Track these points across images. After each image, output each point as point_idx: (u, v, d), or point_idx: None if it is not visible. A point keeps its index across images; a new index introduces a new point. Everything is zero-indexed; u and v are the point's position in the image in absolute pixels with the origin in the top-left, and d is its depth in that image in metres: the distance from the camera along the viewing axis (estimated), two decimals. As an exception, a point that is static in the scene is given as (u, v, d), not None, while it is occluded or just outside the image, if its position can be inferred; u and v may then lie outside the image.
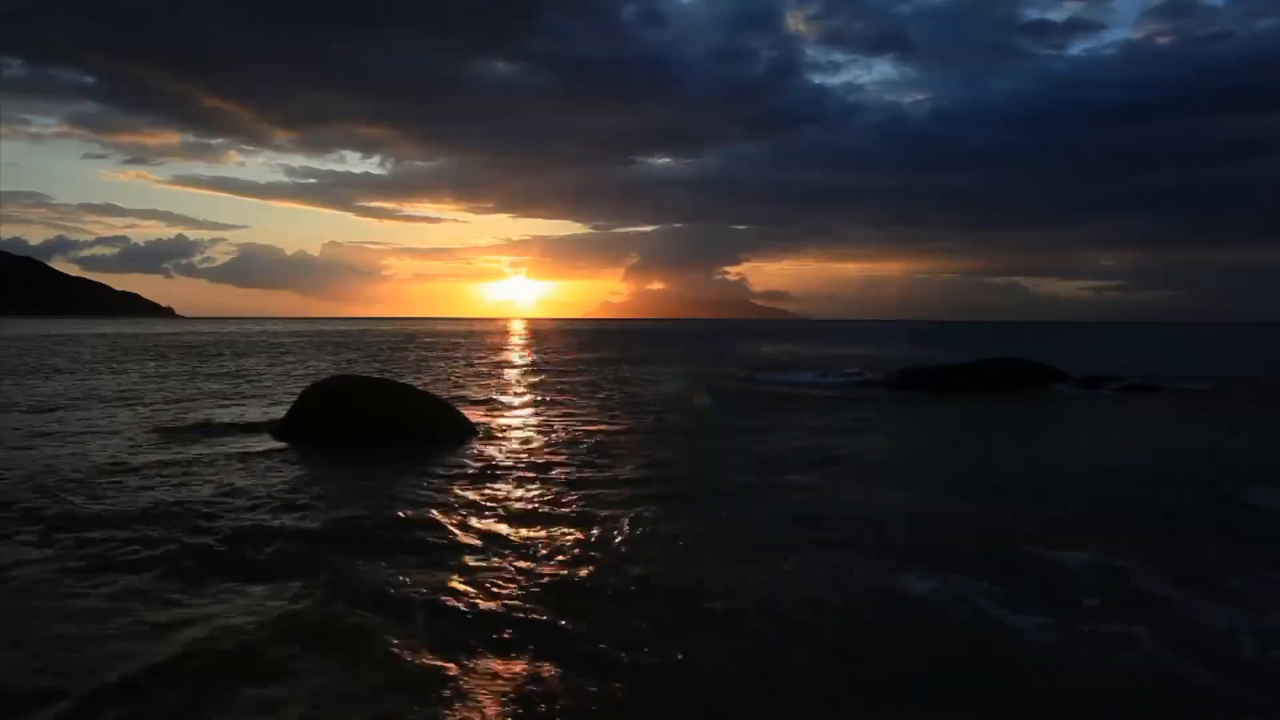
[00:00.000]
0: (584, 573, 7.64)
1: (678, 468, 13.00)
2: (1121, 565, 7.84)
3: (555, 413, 20.12)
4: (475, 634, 6.15)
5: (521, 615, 6.54)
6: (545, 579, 7.44)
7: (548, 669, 5.57)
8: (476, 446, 14.81)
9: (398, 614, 6.54)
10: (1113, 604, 6.88)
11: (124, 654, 5.71)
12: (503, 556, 8.13)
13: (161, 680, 5.35)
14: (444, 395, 21.16)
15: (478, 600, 6.87)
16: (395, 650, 5.84)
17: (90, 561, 7.80)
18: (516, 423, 18.27)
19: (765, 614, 6.61)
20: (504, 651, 5.84)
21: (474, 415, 18.64)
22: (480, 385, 28.03)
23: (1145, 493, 11.43)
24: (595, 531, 9.05)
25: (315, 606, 6.71)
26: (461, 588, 7.17)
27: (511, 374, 34.21)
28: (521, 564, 7.90)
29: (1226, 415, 21.32)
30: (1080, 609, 6.74)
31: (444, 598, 6.90)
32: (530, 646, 5.92)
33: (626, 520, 9.50)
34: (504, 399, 23.48)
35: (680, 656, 5.79)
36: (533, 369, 37.49)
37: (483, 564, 7.88)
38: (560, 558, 8.10)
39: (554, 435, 16.42)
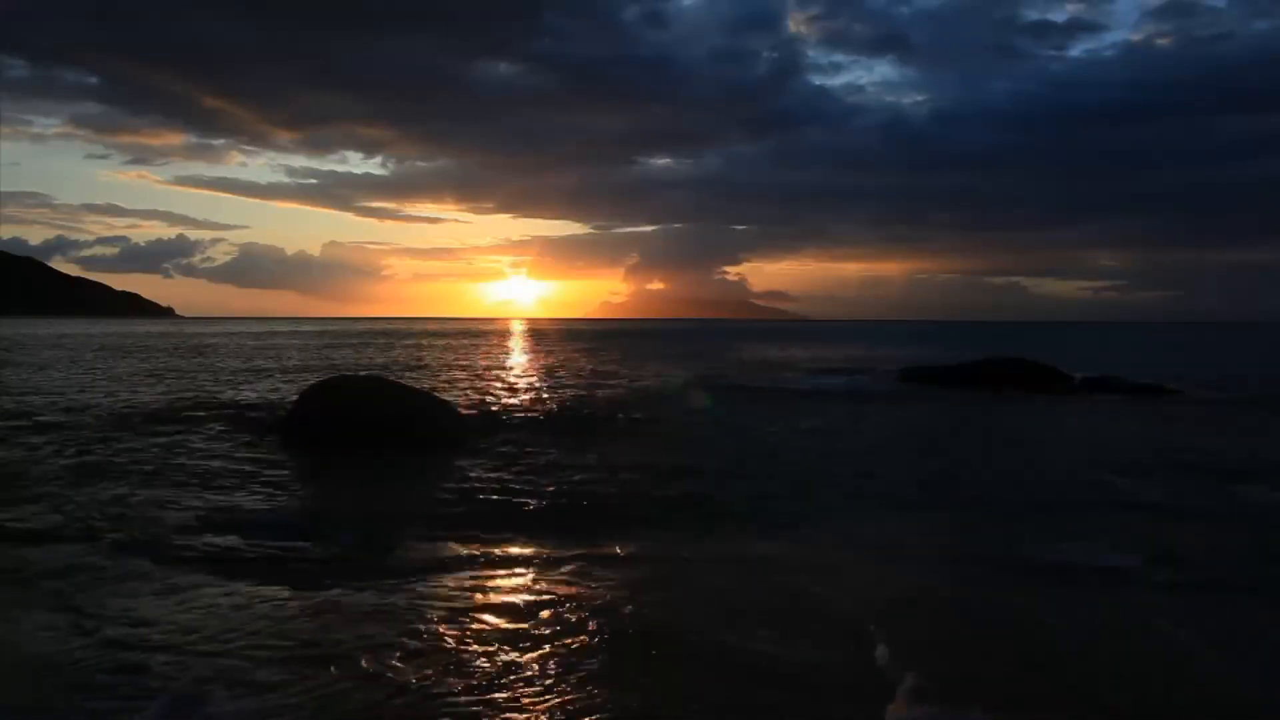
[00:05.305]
0: (584, 603, 7.59)
1: (680, 473, 12.89)
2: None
3: (554, 412, 20.07)
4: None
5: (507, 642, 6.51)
6: (545, 593, 7.41)
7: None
8: (476, 446, 14.76)
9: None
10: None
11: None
12: (501, 569, 8.11)
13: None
14: (443, 395, 21.14)
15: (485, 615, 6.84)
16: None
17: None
18: (515, 422, 18.21)
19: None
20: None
21: (473, 414, 18.63)
22: (479, 385, 27.98)
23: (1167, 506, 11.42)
24: (597, 546, 9.01)
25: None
26: (462, 592, 7.14)
27: (511, 374, 34.17)
28: (518, 582, 7.87)
29: (1230, 419, 21.25)
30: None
31: (437, 598, 6.88)
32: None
33: (626, 531, 9.47)
34: (503, 398, 23.43)
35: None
36: (532, 369, 37.46)
37: (483, 572, 7.86)
38: (567, 572, 8.07)
39: (553, 435, 16.36)
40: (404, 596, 6.84)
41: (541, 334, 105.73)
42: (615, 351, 55.33)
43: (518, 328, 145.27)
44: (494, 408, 20.93)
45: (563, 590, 7.06)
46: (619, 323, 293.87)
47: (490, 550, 8.27)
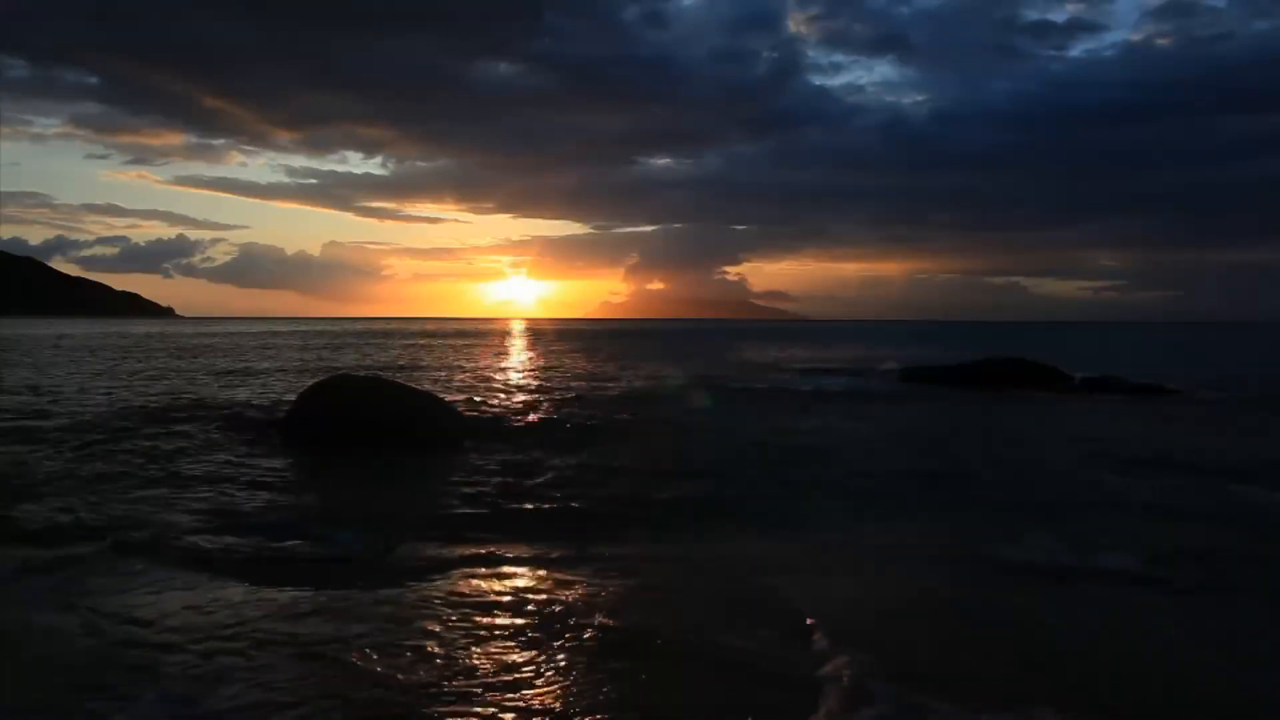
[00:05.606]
0: (586, 618, 7.57)
1: (679, 474, 12.88)
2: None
3: (553, 413, 20.07)
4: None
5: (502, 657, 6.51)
6: (544, 607, 7.40)
7: None
8: (476, 446, 14.76)
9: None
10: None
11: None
12: (501, 569, 8.10)
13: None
14: (443, 395, 21.14)
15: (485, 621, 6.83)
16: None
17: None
18: (515, 423, 18.21)
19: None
20: None
21: (473, 415, 18.61)
22: (479, 385, 27.97)
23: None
24: (597, 546, 9.00)
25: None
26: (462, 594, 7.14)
27: (511, 374, 34.16)
28: (518, 591, 7.85)
29: (1230, 419, 21.24)
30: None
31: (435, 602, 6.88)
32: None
33: (625, 531, 9.45)
34: (503, 399, 23.43)
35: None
36: (532, 369, 37.45)
37: (483, 571, 7.86)
38: (575, 583, 8.06)
39: (552, 436, 16.36)
40: (404, 596, 6.84)
41: (541, 334, 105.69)
42: (615, 352, 55.30)
43: (517, 328, 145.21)
44: (494, 408, 20.91)
45: (562, 590, 7.06)
46: (619, 323, 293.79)
47: (490, 550, 8.26)
